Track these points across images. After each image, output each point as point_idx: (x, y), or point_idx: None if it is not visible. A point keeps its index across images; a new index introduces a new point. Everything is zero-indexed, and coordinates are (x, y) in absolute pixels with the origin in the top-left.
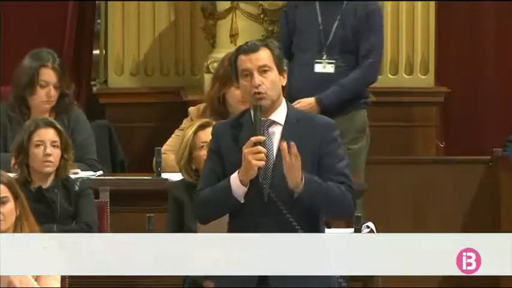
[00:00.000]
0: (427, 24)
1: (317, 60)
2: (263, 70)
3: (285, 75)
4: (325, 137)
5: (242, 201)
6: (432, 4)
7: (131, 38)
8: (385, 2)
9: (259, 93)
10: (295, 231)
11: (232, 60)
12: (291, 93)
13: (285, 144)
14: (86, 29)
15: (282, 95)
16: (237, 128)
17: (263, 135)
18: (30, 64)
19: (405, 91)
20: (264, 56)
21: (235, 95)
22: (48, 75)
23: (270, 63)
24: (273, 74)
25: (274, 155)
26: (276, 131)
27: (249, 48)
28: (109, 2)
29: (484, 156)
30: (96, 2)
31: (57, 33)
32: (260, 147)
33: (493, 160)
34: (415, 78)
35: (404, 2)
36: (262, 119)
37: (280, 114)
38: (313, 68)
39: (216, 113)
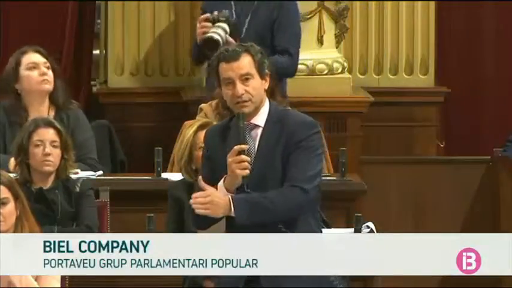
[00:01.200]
0: (427, 24)
1: None
2: (245, 78)
3: (267, 78)
4: (295, 136)
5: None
6: (432, 4)
7: (131, 38)
8: (385, 2)
9: (241, 101)
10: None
11: (213, 66)
12: None
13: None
14: (86, 29)
15: (265, 96)
16: (225, 133)
17: (246, 141)
18: (10, 60)
19: (405, 91)
20: (245, 63)
21: None
22: (33, 57)
23: (252, 71)
24: (255, 81)
25: (253, 157)
26: (258, 134)
27: (230, 56)
28: (109, 2)
29: (484, 156)
30: (96, 2)
31: (57, 33)
32: (243, 157)
33: (493, 160)
34: (415, 78)
35: (404, 2)
36: (245, 123)
37: (261, 117)
38: None
39: (227, 107)
